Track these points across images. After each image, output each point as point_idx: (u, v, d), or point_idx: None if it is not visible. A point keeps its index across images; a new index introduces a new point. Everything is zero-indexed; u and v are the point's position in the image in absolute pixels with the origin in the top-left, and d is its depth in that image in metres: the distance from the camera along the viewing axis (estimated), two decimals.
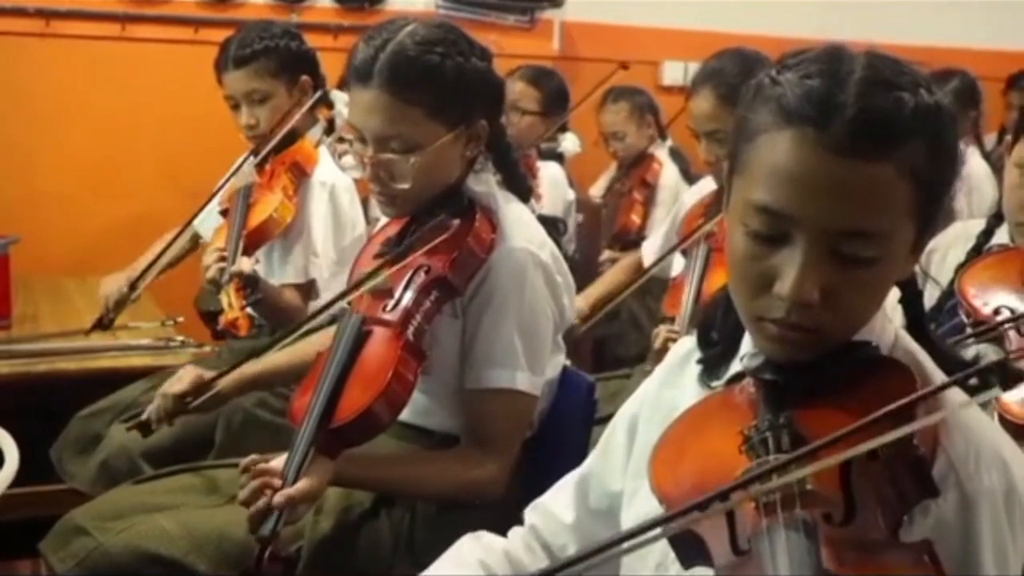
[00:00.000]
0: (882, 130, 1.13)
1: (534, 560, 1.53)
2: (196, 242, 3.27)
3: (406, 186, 2.02)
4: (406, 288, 2.00)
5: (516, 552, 1.53)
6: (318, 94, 3.03)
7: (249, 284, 2.67)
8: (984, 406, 1.27)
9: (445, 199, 2.07)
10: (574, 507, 1.54)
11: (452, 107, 2.02)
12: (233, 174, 2.98)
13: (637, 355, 3.78)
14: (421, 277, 2.00)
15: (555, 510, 1.55)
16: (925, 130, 1.15)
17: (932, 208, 1.20)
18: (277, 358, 2.33)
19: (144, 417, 2.29)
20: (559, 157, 4.69)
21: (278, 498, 1.78)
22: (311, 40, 3.15)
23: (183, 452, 2.53)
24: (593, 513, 1.52)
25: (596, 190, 5.21)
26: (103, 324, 3.12)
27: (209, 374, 2.26)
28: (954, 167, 1.21)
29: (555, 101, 4.59)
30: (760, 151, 1.18)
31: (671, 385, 1.46)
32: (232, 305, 2.63)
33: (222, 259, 2.72)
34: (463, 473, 2.01)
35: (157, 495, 2.14)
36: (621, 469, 1.49)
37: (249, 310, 2.72)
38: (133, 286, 3.09)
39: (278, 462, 1.86)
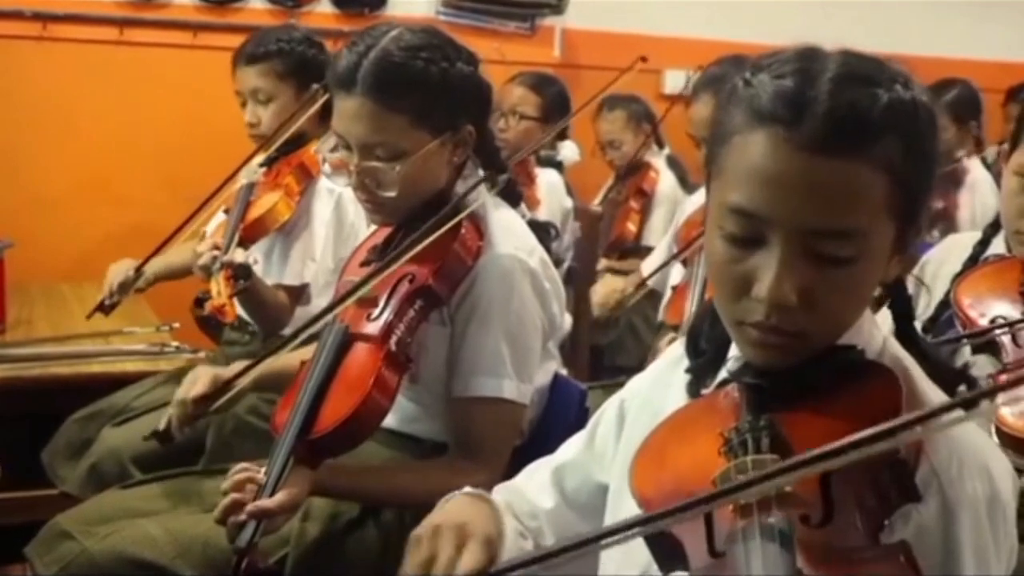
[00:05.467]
0: (854, 126, 1.12)
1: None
2: None
3: (392, 194, 2.01)
4: (390, 297, 1.99)
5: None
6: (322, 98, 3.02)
7: (240, 274, 2.66)
8: (973, 406, 1.25)
9: (433, 206, 2.04)
10: (552, 495, 1.53)
11: (437, 113, 2.01)
12: (235, 173, 3.00)
13: (635, 364, 3.77)
14: (405, 286, 1.98)
15: (529, 494, 1.54)
16: (900, 126, 1.14)
17: (912, 206, 1.18)
18: (292, 358, 2.24)
19: (163, 427, 2.20)
20: (558, 165, 4.68)
21: (250, 508, 1.76)
22: None
23: (173, 458, 2.49)
24: (572, 504, 1.51)
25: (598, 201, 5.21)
26: (104, 308, 3.09)
27: (225, 373, 2.17)
28: (933, 164, 1.20)
29: (556, 108, 4.55)
30: (733, 153, 1.18)
31: (663, 385, 1.45)
32: (221, 292, 2.62)
33: (216, 247, 2.71)
34: (450, 483, 1.92)
35: (144, 500, 2.13)
36: (610, 459, 1.48)
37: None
38: (138, 272, 3.07)
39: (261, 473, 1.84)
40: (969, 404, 0.92)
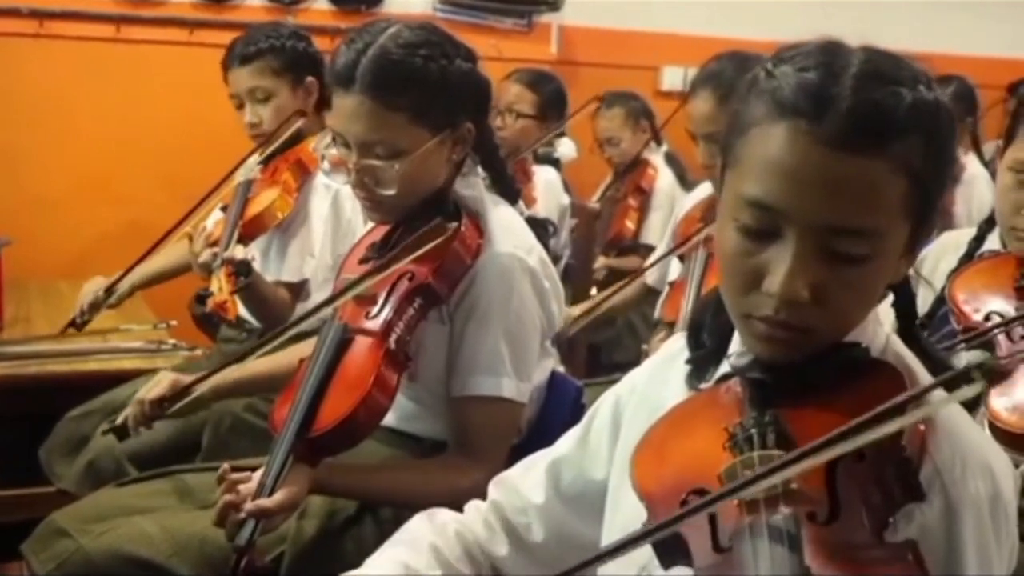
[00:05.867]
0: (877, 124, 1.11)
1: (491, 537, 1.50)
2: None
3: (391, 192, 2.00)
4: (389, 295, 1.98)
5: (471, 531, 1.51)
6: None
7: (240, 270, 2.66)
8: (972, 409, 1.25)
9: (432, 203, 2.04)
10: (544, 489, 1.51)
11: (436, 111, 2.00)
12: (232, 172, 3.00)
13: (632, 360, 3.76)
14: (404, 284, 1.97)
15: (523, 489, 1.53)
16: (922, 126, 1.13)
17: (927, 208, 1.18)
18: (258, 365, 2.28)
19: (119, 422, 2.25)
20: (555, 162, 4.67)
21: (249, 506, 1.76)
22: None
23: (170, 455, 2.51)
24: (564, 498, 1.50)
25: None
26: (76, 325, 3.17)
27: (186, 379, 2.22)
28: (951, 167, 1.19)
29: (553, 105, 4.53)
30: (752, 144, 1.16)
31: (660, 381, 1.44)
32: (222, 289, 2.63)
33: (215, 243, 2.72)
34: (449, 481, 1.97)
35: (140, 498, 2.12)
36: (605, 457, 1.47)
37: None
38: (109, 291, 3.14)
39: (255, 474, 1.84)
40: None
